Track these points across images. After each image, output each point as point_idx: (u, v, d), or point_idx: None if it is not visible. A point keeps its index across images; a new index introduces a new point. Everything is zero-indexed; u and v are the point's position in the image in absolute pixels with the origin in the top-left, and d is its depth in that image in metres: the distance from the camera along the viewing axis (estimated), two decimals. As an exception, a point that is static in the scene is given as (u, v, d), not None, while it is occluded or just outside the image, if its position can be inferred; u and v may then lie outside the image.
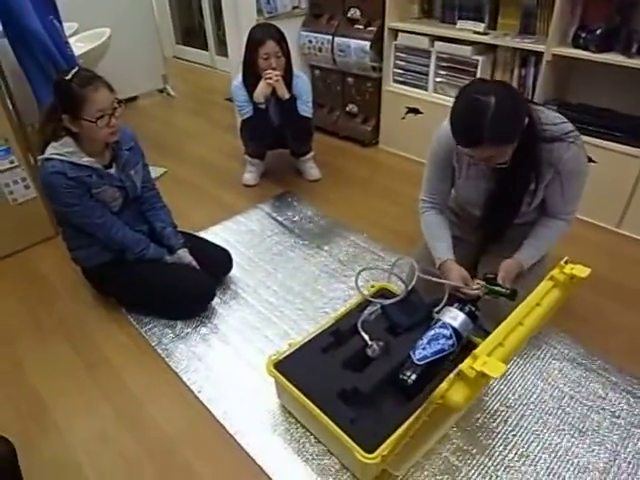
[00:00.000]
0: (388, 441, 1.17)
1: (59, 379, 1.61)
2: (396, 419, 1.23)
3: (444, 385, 0.84)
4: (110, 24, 3.04)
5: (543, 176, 1.44)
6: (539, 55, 2.20)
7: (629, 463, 1.31)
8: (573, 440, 1.37)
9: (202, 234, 2.20)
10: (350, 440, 1.19)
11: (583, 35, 2.05)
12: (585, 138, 2.13)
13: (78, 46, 2.51)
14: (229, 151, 3.13)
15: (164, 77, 4.04)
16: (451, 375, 0.85)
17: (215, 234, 2.29)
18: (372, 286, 1.68)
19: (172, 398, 1.54)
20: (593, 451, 1.34)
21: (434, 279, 1.50)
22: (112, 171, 1.66)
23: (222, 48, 4.75)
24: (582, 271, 1.05)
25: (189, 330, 1.78)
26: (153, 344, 1.72)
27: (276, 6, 2.85)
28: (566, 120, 1.43)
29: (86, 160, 1.56)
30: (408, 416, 1.23)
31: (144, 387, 1.57)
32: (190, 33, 5.14)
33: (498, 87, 1.25)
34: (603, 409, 1.45)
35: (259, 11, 2.80)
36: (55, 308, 1.90)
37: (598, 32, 1.99)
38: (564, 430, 1.40)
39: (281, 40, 2.21)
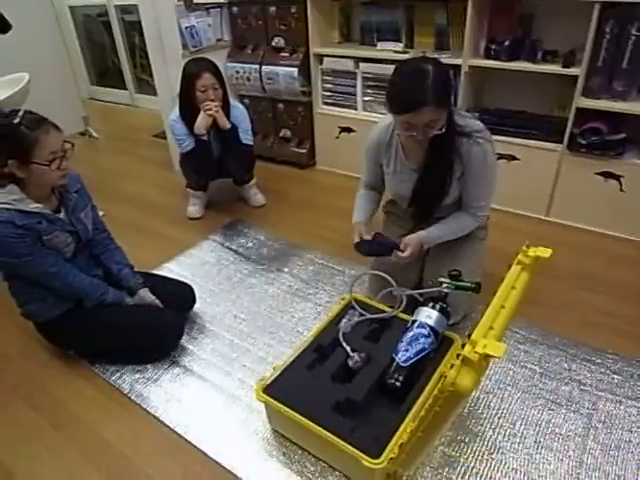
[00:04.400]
0: (392, 442, 1.20)
1: (26, 447, 1.48)
2: (394, 421, 1.27)
3: (452, 373, 0.89)
4: (22, 69, 2.90)
5: (454, 167, 1.58)
6: (457, 68, 2.40)
7: (603, 423, 1.43)
8: (551, 412, 1.47)
9: (156, 272, 2.13)
10: (354, 449, 1.21)
11: (493, 47, 2.27)
12: (506, 138, 2.40)
13: (-3, 93, 2.38)
14: (167, 186, 3.07)
15: (85, 119, 3.90)
16: (457, 362, 0.90)
17: (170, 270, 2.23)
18: (342, 298, 1.72)
19: (158, 444, 1.46)
20: (570, 419, 1.45)
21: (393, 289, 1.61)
22: (61, 216, 1.58)
23: (141, 86, 4.69)
24: (545, 252, 1.16)
25: (161, 372, 1.71)
26: (126, 392, 1.63)
27: (200, 40, 2.88)
28: (477, 121, 1.60)
29: (34, 206, 1.47)
30: (405, 416, 1.28)
31: (126, 439, 1.48)
32: (105, 74, 5.01)
33: (430, 59, 1.44)
34: (571, 379, 1.57)
35: (184, 46, 2.81)
36: (6, 373, 1.74)
37: (506, 43, 2.22)
38: (541, 405, 1.50)
39: (217, 72, 2.24)
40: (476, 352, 0.88)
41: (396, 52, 2.62)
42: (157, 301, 1.77)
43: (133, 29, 4.41)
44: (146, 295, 1.76)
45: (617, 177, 2.20)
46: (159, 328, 1.72)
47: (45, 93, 3.34)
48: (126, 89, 4.74)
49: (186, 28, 2.79)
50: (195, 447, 1.44)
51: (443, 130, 1.46)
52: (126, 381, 1.67)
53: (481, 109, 2.55)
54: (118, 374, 1.70)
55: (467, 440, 1.41)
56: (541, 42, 2.23)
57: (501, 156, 2.44)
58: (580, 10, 2.01)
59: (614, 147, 2.15)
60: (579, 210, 2.37)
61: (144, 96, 4.65)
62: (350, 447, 1.21)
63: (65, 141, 1.47)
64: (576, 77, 2.11)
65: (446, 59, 2.41)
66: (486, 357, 0.88)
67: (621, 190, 2.21)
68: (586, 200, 2.33)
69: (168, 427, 1.50)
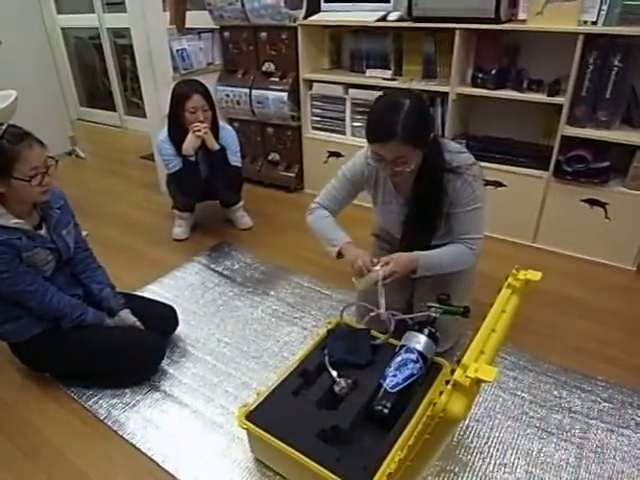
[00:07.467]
0: (380, 472, 1.15)
1: (-8, 476, 1.40)
2: (381, 450, 1.22)
3: (443, 398, 0.86)
4: (11, 87, 2.88)
5: (441, 202, 1.53)
6: (445, 95, 2.44)
7: (595, 453, 1.40)
8: (542, 441, 1.44)
9: (138, 294, 2.08)
10: (340, 479, 1.16)
11: (480, 76, 2.32)
12: (493, 165, 2.42)
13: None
14: (153, 207, 3.04)
15: (72, 139, 3.88)
16: (448, 387, 0.87)
17: (152, 292, 2.17)
18: (329, 322, 1.68)
19: (134, 473, 1.39)
20: (562, 448, 1.41)
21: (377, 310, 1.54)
22: (42, 232, 1.54)
23: (131, 108, 4.69)
24: (535, 275, 1.15)
25: (139, 397, 1.64)
26: (102, 417, 1.55)
27: (191, 63, 2.90)
28: (467, 152, 1.56)
29: (14, 222, 1.43)
30: (393, 444, 1.23)
31: (100, 467, 1.41)
32: (95, 95, 5.02)
33: (412, 95, 1.43)
34: (561, 407, 1.55)
35: (175, 68, 2.83)
36: (-24, 397, 1.67)
37: (493, 72, 2.26)
38: (532, 433, 1.46)
39: (206, 94, 2.24)
40: (467, 376, 0.85)
41: (385, 79, 2.65)
42: (138, 323, 1.71)
43: (125, 52, 4.44)
44: (127, 316, 1.71)
45: (602, 204, 2.23)
46: (139, 351, 1.66)
47: (33, 111, 3.31)
48: (115, 111, 4.74)
49: (177, 51, 2.81)
50: (173, 477, 1.37)
51: (412, 168, 1.41)
52: (103, 406, 1.60)
53: (468, 136, 2.58)
54: (95, 399, 1.63)
55: (457, 470, 1.36)
56: (527, 72, 2.29)
57: (488, 183, 2.46)
58: (564, 41, 2.06)
59: (599, 175, 2.18)
60: (565, 237, 2.39)
61: (133, 118, 4.65)
62: (336, 477, 1.16)
63: (49, 157, 1.44)
64: (561, 106, 2.15)
65: (433, 86, 2.46)
66: (478, 382, 0.85)
67: (606, 217, 2.23)
68: (572, 227, 2.35)
69: (145, 455, 1.43)
